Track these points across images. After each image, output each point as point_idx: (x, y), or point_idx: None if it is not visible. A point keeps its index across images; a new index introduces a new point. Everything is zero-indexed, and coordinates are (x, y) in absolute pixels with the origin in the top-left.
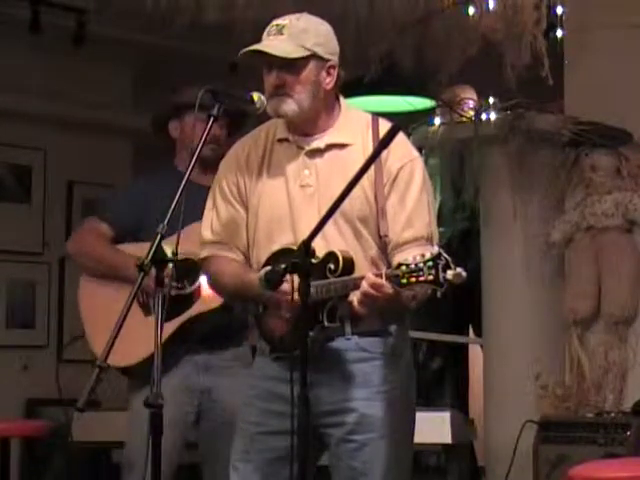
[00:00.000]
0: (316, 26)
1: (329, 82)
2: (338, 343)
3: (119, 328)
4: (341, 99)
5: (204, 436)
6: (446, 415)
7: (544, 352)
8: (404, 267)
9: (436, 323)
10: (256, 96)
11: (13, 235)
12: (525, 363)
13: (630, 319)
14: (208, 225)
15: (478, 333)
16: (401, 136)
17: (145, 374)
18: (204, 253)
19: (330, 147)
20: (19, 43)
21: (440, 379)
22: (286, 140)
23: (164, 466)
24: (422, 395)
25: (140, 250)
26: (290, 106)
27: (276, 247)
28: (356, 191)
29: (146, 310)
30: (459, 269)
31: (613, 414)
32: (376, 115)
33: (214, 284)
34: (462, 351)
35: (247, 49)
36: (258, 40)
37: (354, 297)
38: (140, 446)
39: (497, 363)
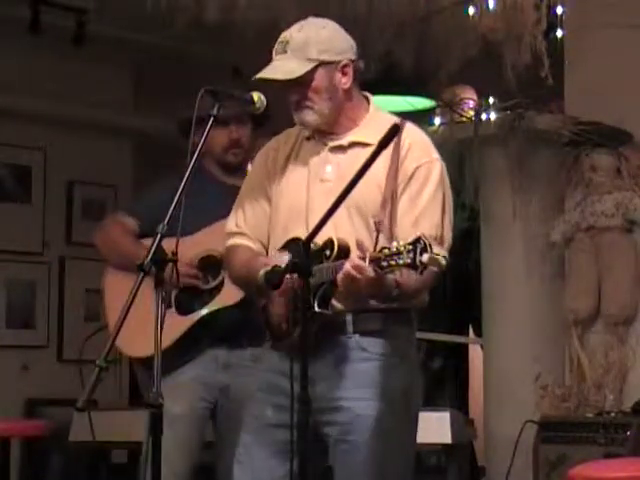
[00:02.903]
0: (317, 33)
1: (345, 82)
2: (338, 341)
3: (120, 325)
4: (371, 100)
5: (218, 434)
6: (446, 415)
7: (544, 352)
8: (386, 250)
9: (436, 323)
10: (256, 96)
11: (13, 235)
12: (525, 363)
13: (630, 319)
14: (233, 218)
15: (478, 333)
16: (422, 137)
17: (164, 365)
18: (227, 244)
19: (353, 145)
20: (19, 43)
21: (440, 379)
22: (313, 138)
23: (183, 461)
24: (422, 395)
25: (166, 244)
26: (312, 117)
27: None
28: (373, 189)
29: (166, 303)
30: (438, 255)
31: (613, 414)
32: (405, 119)
33: (230, 273)
34: (462, 351)
35: (256, 77)
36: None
37: (338, 278)
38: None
39: (497, 363)
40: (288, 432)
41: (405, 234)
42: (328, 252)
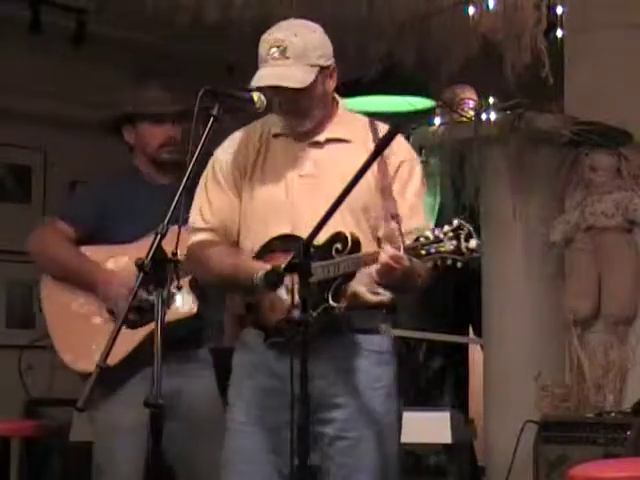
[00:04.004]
0: (311, 38)
1: (332, 84)
2: (332, 338)
3: (117, 331)
4: (338, 99)
5: (173, 437)
6: (446, 415)
7: (544, 352)
8: (423, 239)
9: (437, 323)
10: (256, 96)
11: (13, 235)
12: (525, 363)
13: (630, 319)
14: (198, 213)
15: (478, 333)
16: (401, 137)
17: (113, 379)
18: (194, 239)
19: (329, 141)
20: (19, 43)
21: (440, 379)
22: (283, 135)
23: (134, 471)
24: (422, 395)
25: (99, 254)
26: (306, 124)
27: (273, 234)
28: (362, 186)
29: (114, 315)
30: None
31: (613, 414)
32: (372, 117)
33: (199, 269)
34: (462, 351)
35: (262, 84)
36: (256, 41)
37: (373, 270)
38: (112, 449)
39: (497, 363)
40: (283, 433)
41: (406, 225)
42: (340, 246)
